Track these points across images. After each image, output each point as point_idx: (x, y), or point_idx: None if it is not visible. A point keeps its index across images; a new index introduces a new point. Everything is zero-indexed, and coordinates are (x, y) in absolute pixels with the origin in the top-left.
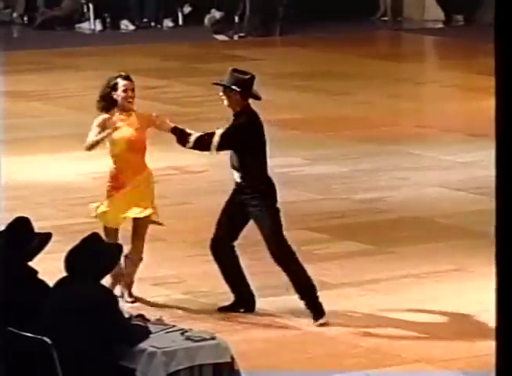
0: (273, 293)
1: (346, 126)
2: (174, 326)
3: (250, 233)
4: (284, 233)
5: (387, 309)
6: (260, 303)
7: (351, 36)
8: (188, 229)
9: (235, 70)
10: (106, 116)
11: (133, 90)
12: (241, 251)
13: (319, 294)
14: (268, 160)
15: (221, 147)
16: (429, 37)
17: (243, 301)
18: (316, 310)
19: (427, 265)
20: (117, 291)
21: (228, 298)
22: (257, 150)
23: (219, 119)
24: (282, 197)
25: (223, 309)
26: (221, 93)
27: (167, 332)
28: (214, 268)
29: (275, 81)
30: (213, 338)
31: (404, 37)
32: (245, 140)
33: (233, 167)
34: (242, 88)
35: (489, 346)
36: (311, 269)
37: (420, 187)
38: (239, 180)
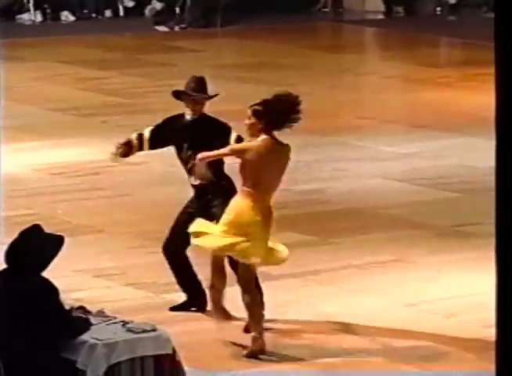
0: None
1: None
2: (115, 317)
3: None
4: None
5: (329, 300)
6: None
7: (291, 27)
8: (129, 221)
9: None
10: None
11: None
12: None
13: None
14: None
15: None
16: (369, 28)
17: (195, 300)
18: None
19: (369, 256)
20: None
21: (170, 289)
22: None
23: (162, 110)
24: None
25: (175, 309)
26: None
27: (109, 324)
28: (156, 259)
29: (215, 73)
30: (154, 330)
31: (344, 29)
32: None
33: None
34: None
35: (429, 336)
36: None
37: (361, 178)
38: (196, 183)
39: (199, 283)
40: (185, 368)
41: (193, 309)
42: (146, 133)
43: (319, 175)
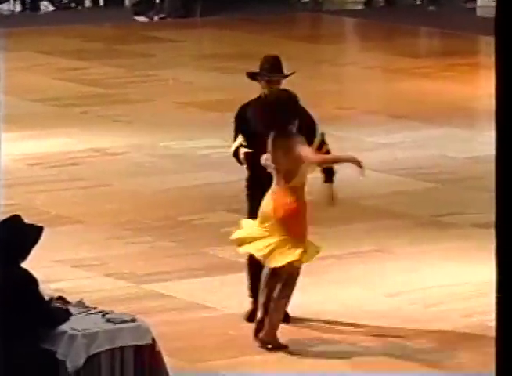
0: (194, 274)
1: None
2: (94, 308)
3: (173, 213)
4: (205, 214)
5: (306, 290)
6: (180, 285)
7: (271, 17)
8: (108, 212)
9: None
10: None
11: None
12: (162, 232)
13: None
14: (189, 142)
15: None
16: (349, 18)
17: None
18: None
19: (349, 246)
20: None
21: (150, 279)
22: None
23: (141, 100)
24: (203, 178)
25: (250, 319)
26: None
27: (88, 314)
28: (135, 250)
29: (195, 63)
30: (133, 320)
31: (324, 19)
32: None
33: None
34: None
35: (409, 326)
36: (232, 251)
37: (341, 168)
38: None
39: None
40: (166, 359)
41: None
42: (237, 143)
43: None
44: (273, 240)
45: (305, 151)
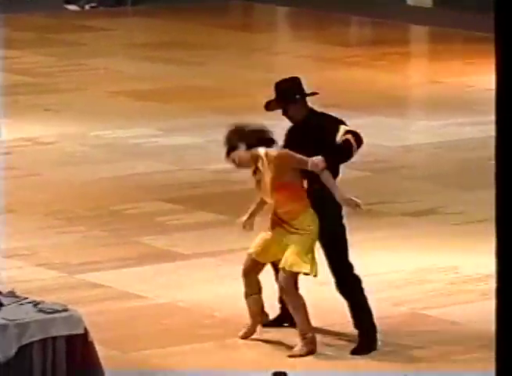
0: (125, 264)
1: (199, 96)
2: (26, 298)
3: (105, 203)
4: (138, 204)
5: (239, 279)
6: (113, 274)
7: (203, 6)
8: (40, 201)
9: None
10: None
11: None
12: (95, 221)
13: None
14: (121, 131)
15: None
16: (281, 7)
17: (288, 314)
18: None
19: None
20: None
21: (82, 269)
22: None
23: (72, 89)
24: (136, 168)
25: (268, 325)
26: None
27: (20, 304)
28: (67, 239)
29: (126, 52)
30: (66, 310)
31: (256, 8)
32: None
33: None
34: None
35: (341, 315)
36: (166, 240)
37: None
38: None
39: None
40: (98, 348)
41: (286, 324)
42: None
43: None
44: None
45: None
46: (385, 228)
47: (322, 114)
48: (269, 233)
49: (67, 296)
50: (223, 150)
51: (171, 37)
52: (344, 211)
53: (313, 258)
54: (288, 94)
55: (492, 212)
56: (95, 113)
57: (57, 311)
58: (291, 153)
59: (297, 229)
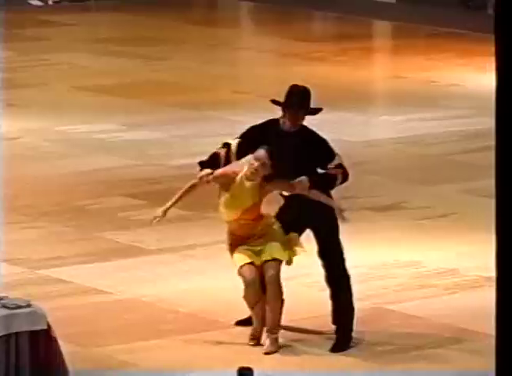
0: (88, 260)
1: (162, 91)
2: None
3: (68, 198)
4: (101, 199)
5: (204, 275)
6: (76, 270)
7: (166, 1)
8: (3, 197)
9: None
10: None
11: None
12: (58, 217)
13: None
14: (84, 127)
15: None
16: (245, 2)
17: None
18: None
19: None
20: None
21: (45, 265)
22: None
23: (36, 85)
24: (98, 163)
25: (240, 323)
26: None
27: None
28: (31, 235)
29: (89, 47)
30: (29, 306)
31: (220, 3)
32: None
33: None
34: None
35: (303, 310)
36: (129, 236)
37: None
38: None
39: None
40: (61, 344)
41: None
42: (234, 146)
43: (195, 149)
44: None
45: None
46: (348, 223)
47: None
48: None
49: (31, 291)
50: (186, 145)
51: (134, 33)
52: None
53: (290, 246)
54: (306, 104)
55: (453, 207)
56: (59, 109)
57: (20, 306)
58: (282, 181)
59: (262, 229)
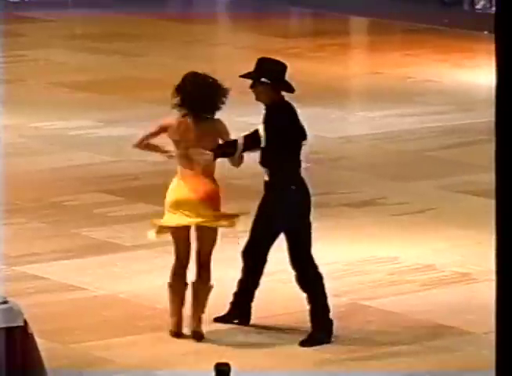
0: (65, 256)
1: (139, 88)
2: None
3: (45, 194)
4: (78, 195)
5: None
6: (52, 266)
7: None
8: None
9: (264, 60)
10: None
11: None
12: (34, 213)
13: None
14: (60, 123)
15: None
16: None
17: (239, 312)
18: None
19: (240, 225)
20: None
21: (21, 261)
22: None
23: (12, 81)
24: (75, 159)
25: (218, 320)
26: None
27: None
28: (6, 231)
29: (66, 43)
30: (5, 302)
31: None
32: (285, 138)
33: (264, 164)
34: (273, 79)
35: (278, 306)
36: (105, 232)
37: None
38: (267, 178)
39: (251, 297)
40: (38, 340)
41: (236, 321)
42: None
43: (171, 146)
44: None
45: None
46: (324, 219)
47: (284, 113)
48: None
49: (7, 288)
50: (163, 142)
51: (111, 29)
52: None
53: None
54: (265, 73)
55: (430, 203)
56: (35, 105)
57: None
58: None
59: None
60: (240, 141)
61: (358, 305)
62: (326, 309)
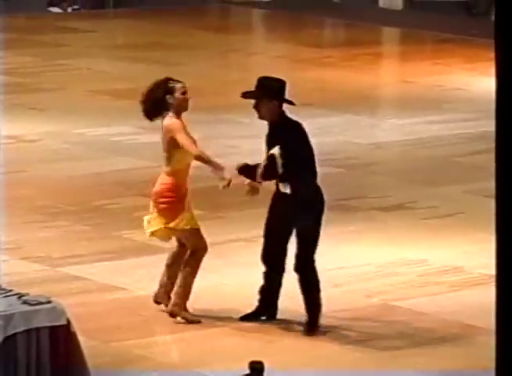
0: (106, 258)
1: None
2: (11, 290)
3: (87, 198)
4: (118, 199)
5: (218, 272)
6: (94, 267)
7: (182, 9)
8: (24, 197)
9: (264, 79)
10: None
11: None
12: (77, 216)
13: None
14: (102, 129)
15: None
16: (257, 10)
17: (267, 308)
18: None
19: (256, 229)
20: None
21: (64, 263)
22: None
23: (55, 88)
24: (116, 164)
25: (245, 318)
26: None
27: (5, 296)
28: (50, 234)
29: (108, 53)
30: (49, 302)
31: (233, 10)
32: (302, 152)
33: (283, 180)
34: (276, 96)
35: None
36: (144, 235)
37: (250, 155)
38: (288, 191)
39: (277, 295)
40: (80, 339)
41: (263, 317)
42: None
43: (209, 151)
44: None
45: (183, 139)
46: (357, 222)
47: (290, 129)
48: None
49: (51, 288)
50: (201, 147)
51: (151, 39)
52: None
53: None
54: (267, 91)
55: (458, 207)
56: (78, 112)
57: (41, 303)
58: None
59: None
60: (259, 171)
61: (388, 306)
62: (319, 305)
